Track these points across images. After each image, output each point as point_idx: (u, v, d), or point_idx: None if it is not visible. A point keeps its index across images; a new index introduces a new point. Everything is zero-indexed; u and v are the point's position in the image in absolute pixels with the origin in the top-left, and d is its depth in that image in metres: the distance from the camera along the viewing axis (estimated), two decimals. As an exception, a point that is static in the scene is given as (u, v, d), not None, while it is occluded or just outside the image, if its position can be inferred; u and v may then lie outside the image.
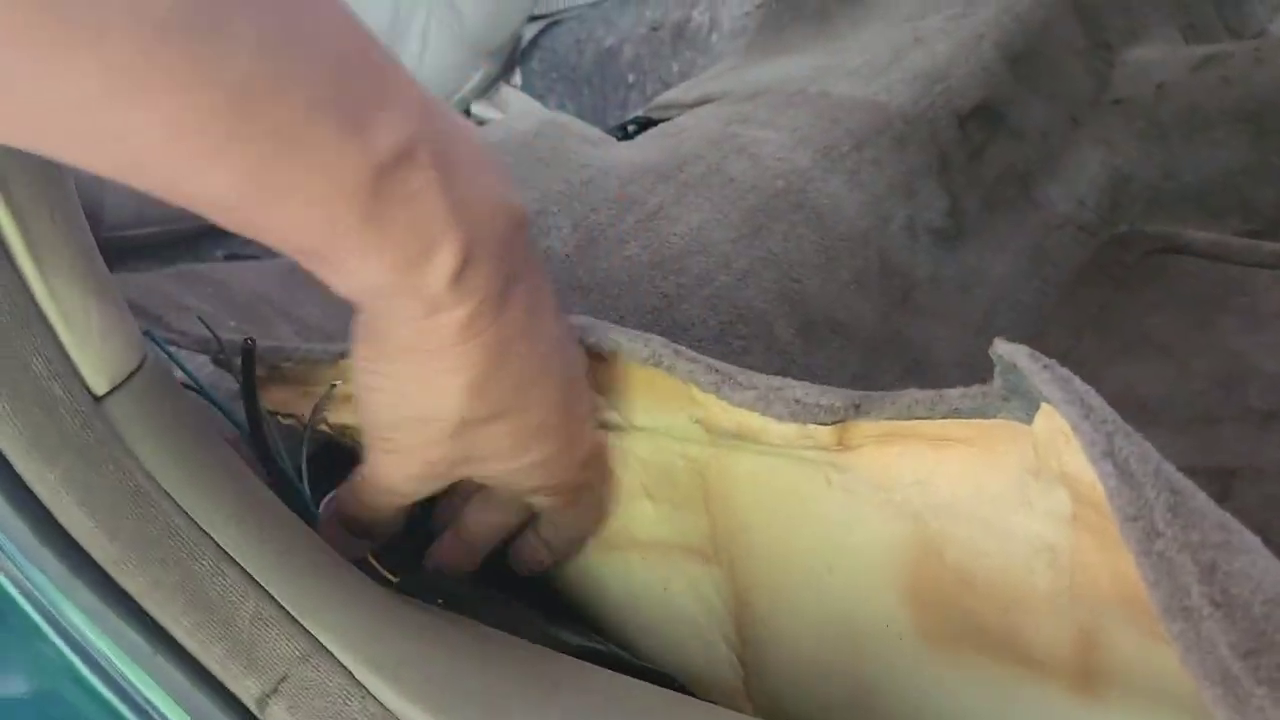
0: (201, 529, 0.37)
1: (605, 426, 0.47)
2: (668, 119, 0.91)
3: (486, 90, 1.22)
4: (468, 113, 1.20)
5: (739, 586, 0.48)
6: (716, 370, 0.43)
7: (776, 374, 0.69)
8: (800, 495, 0.44)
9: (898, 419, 0.40)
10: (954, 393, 0.40)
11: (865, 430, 0.41)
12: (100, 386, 0.36)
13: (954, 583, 0.41)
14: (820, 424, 0.40)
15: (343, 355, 0.47)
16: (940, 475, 0.40)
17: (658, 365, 0.44)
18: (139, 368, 0.37)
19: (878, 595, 0.43)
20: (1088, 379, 0.77)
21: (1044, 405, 0.37)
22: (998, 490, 0.39)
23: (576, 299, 0.66)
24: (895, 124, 0.81)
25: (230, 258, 1.10)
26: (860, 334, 0.74)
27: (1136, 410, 0.73)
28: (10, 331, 0.33)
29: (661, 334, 0.65)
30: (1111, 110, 0.96)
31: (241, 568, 0.38)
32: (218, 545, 0.37)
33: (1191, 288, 0.81)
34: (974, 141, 0.85)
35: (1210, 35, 1.12)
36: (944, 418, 0.40)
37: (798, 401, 0.41)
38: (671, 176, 0.73)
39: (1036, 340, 0.81)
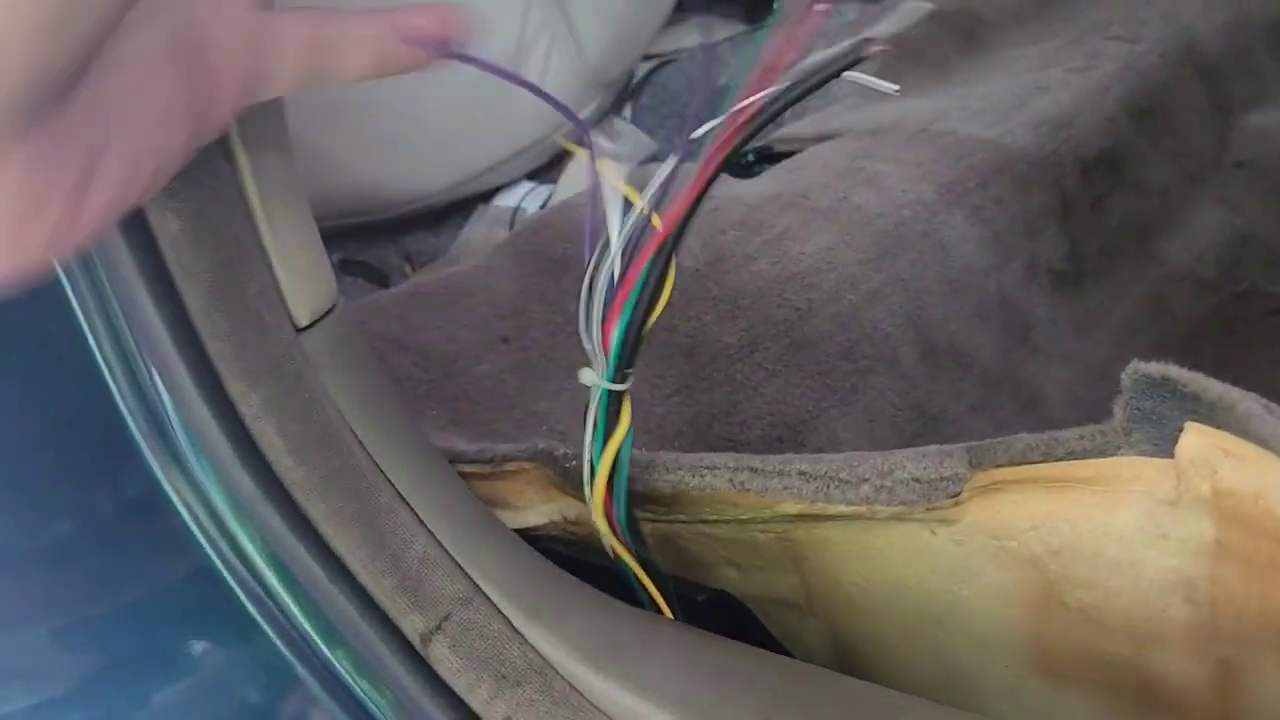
0: (380, 468, 0.39)
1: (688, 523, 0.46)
2: (787, 152, 0.93)
3: (598, 121, 1.25)
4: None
5: (839, 635, 0.48)
6: (815, 477, 0.41)
7: (898, 398, 0.69)
8: (902, 551, 0.43)
9: (1012, 465, 0.40)
10: (1069, 434, 0.39)
11: (975, 481, 0.40)
12: (302, 319, 0.37)
13: (1079, 624, 0.41)
14: (948, 498, 0.39)
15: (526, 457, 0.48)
16: (1059, 518, 0.40)
17: (745, 490, 0.42)
18: (333, 308, 0.39)
19: (995, 642, 0.43)
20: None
21: (1191, 425, 0.36)
22: (1125, 527, 0.38)
23: (707, 309, 0.67)
24: (1018, 165, 0.81)
25: (344, 263, 1.13)
26: (978, 366, 0.74)
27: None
28: (238, 260, 0.35)
29: (791, 346, 0.66)
30: (1233, 172, 0.96)
31: (413, 509, 0.39)
32: (393, 485, 0.39)
33: (1317, 347, 0.80)
34: (1096, 190, 0.86)
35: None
36: (1060, 460, 0.40)
37: (917, 480, 0.40)
38: (797, 204, 0.74)
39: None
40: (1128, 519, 0.39)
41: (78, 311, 0.36)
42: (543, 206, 1.19)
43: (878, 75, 1.08)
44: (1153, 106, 0.93)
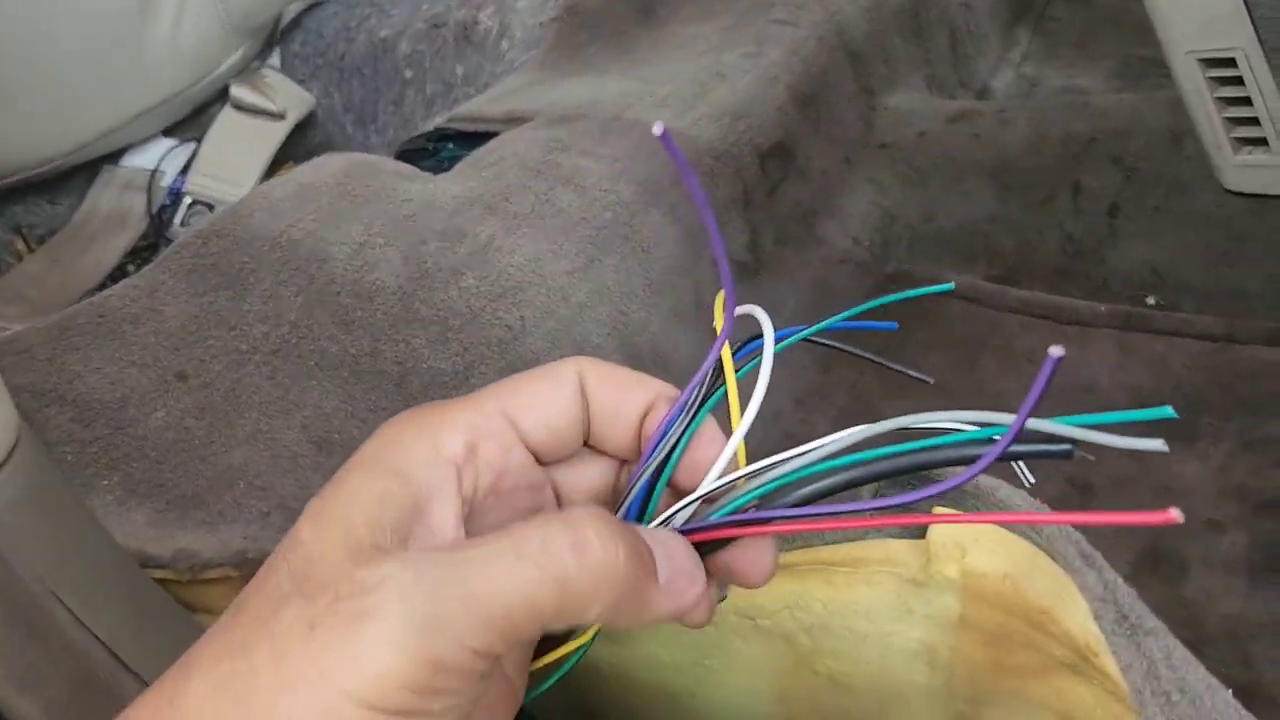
0: (98, 638, 0.32)
1: None
2: (471, 131, 0.89)
3: (243, 71, 1.13)
4: (226, 92, 1.10)
5: (584, 702, 0.48)
6: None
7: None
8: (652, 631, 0.44)
9: None
10: None
11: None
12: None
13: (827, 687, 0.43)
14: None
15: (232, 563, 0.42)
16: (810, 598, 0.42)
17: None
18: (15, 445, 0.32)
19: (745, 706, 0.45)
20: (873, 414, 0.84)
21: (940, 509, 0.39)
22: (872, 604, 0.41)
23: (416, 331, 0.63)
24: (705, 159, 0.83)
25: None
26: (678, 366, 0.76)
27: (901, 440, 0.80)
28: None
29: (506, 368, 0.64)
30: (878, 153, 1.04)
31: (136, 675, 0.33)
32: (116, 656, 0.33)
33: (957, 329, 0.89)
34: (772, 179, 0.89)
35: (947, 87, 1.24)
36: (814, 547, 0.42)
37: None
38: (498, 208, 0.71)
39: (823, 373, 0.87)
40: (873, 596, 0.41)
41: None
42: (185, 168, 1.06)
43: (556, 43, 1.05)
44: (815, 93, 0.98)
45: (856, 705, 0.44)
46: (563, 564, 0.25)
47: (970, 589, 0.39)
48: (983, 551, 0.39)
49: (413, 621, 0.24)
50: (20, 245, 1.00)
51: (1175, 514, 0.22)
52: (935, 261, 0.98)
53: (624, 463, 0.33)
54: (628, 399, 0.32)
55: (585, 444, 0.33)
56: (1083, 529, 0.40)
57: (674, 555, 0.29)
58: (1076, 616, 0.37)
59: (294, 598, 0.25)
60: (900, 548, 0.41)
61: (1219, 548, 0.65)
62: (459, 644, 0.24)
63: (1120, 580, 0.35)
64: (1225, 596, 0.61)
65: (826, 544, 0.41)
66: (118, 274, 0.99)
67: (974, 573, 0.39)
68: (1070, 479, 0.73)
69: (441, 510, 0.28)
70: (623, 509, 0.32)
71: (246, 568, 0.44)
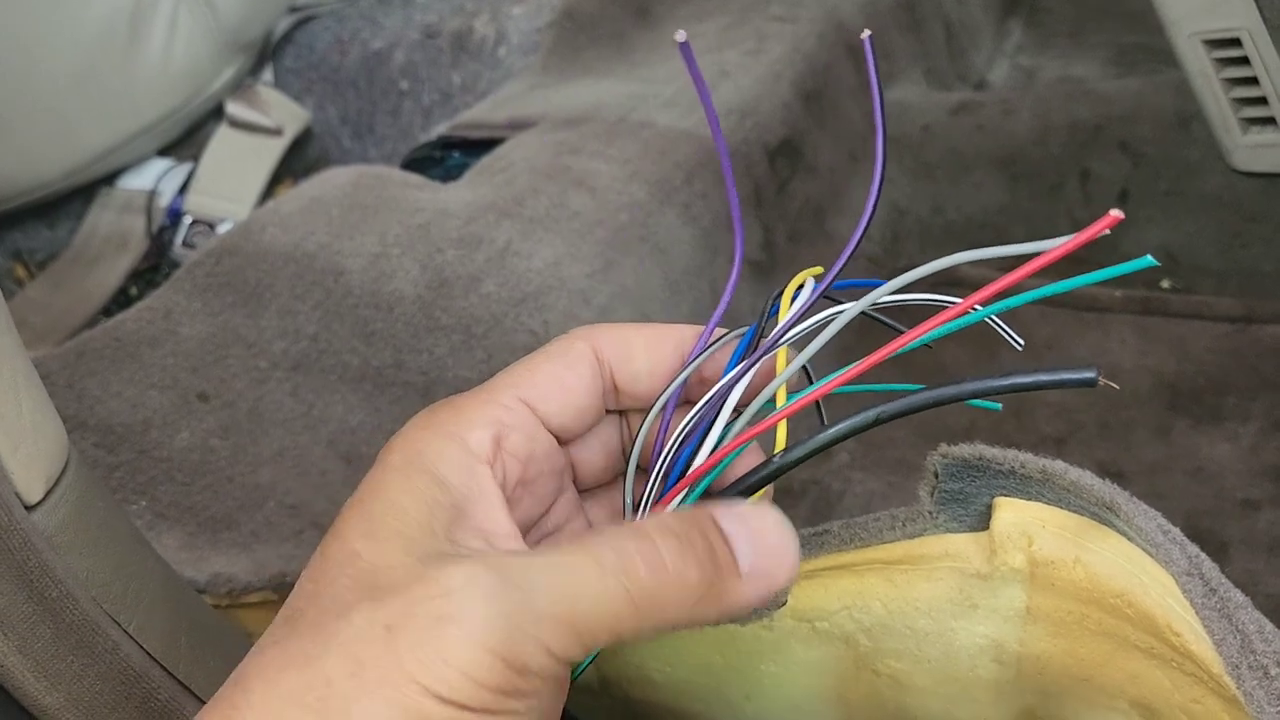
0: (151, 655, 0.31)
1: None
2: (476, 139, 0.88)
3: (237, 88, 1.12)
4: (221, 110, 1.09)
5: (635, 706, 0.47)
6: None
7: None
8: (709, 638, 0.43)
9: (823, 554, 0.41)
10: (879, 522, 0.40)
11: None
12: (34, 493, 0.29)
13: (889, 687, 0.42)
14: (778, 607, 0.39)
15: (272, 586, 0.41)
16: (869, 597, 0.41)
17: None
18: (66, 463, 0.30)
19: (804, 707, 0.44)
20: (909, 421, 0.81)
21: (1002, 501, 0.38)
22: (933, 601, 0.40)
23: (439, 340, 0.62)
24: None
25: None
26: (699, 368, 0.75)
27: (950, 441, 0.80)
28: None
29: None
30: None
31: (197, 696, 0.32)
32: (169, 673, 0.31)
33: (972, 320, 0.89)
34: (781, 176, 0.89)
35: (944, 80, 1.23)
36: (869, 546, 0.41)
37: None
38: (513, 213, 0.70)
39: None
40: (935, 593, 0.40)
41: None
42: (184, 188, 1.05)
43: (555, 47, 1.04)
44: (818, 89, 0.97)
45: (919, 705, 0.43)
46: (639, 580, 0.25)
47: (1039, 578, 0.38)
48: (1051, 537, 0.38)
49: (498, 623, 0.24)
50: (21, 271, 0.98)
51: (1116, 213, 0.22)
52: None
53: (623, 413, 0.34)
54: (655, 354, 0.33)
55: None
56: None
57: (762, 535, 0.28)
58: (1154, 596, 0.36)
59: (363, 604, 0.25)
60: (961, 541, 0.39)
61: (1257, 527, 0.64)
62: (542, 648, 0.24)
63: (1203, 554, 0.34)
64: (1269, 576, 0.60)
65: (884, 542, 0.40)
66: (121, 296, 0.97)
67: (1043, 561, 0.38)
68: (1102, 465, 0.72)
69: (489, 511, 0.28)
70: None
71: (285, 590, 0.43)
